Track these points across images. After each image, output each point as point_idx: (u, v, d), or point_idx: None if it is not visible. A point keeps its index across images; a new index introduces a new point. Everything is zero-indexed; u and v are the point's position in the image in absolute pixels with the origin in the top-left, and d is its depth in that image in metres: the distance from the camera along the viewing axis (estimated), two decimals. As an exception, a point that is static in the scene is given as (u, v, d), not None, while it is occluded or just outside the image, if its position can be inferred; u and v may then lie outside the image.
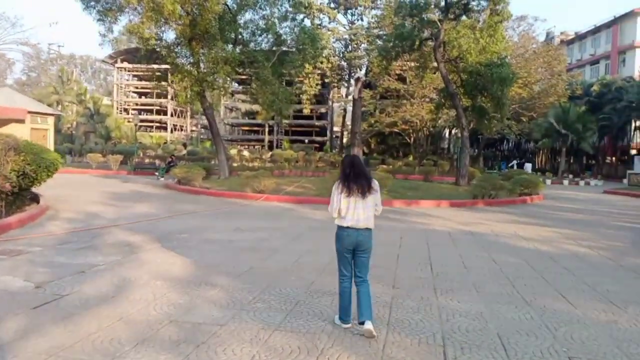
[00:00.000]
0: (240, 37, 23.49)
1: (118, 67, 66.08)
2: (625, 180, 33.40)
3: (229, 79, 24.77)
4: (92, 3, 19.75)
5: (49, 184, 19.10)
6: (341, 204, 4.21)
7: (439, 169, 33.31)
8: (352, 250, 4.24)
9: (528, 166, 38.12)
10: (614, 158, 45.42)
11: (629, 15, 49.74)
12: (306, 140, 59.50)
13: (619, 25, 51.47)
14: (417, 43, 25.09)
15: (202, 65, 22.17)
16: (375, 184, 4.30)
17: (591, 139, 36.02)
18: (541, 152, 52.28)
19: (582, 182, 31.32)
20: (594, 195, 22.29)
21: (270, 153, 46.54)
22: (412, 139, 44.45)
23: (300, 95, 42.72)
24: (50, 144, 31.00)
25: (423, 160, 38.53)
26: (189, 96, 21.85)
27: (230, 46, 22.68)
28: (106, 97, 73.40)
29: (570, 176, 35.35)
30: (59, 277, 5.63)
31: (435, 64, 26.62)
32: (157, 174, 25.82)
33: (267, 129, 60.21)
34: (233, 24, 22.26)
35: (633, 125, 41.59)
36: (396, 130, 42.62)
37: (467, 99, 24.43)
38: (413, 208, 14.79)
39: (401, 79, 41.55)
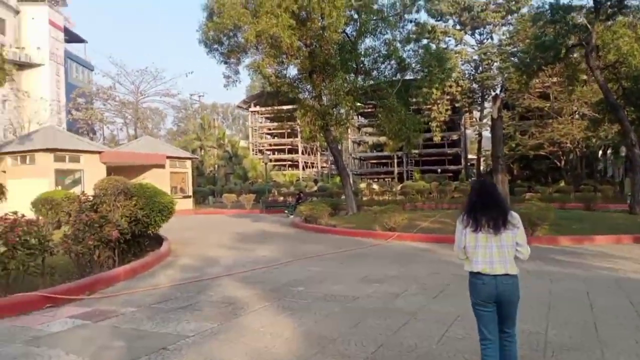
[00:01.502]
0: (361, 65, 22.37)
1: (252, 111, 69.88)
2: None
3: (352, 110, 23.72)
4: (215, 46, 20.11)
5: (181, 226, 19.60)
6: (466, 242, 3.39)
7: (602, 195, 28.40)
8: (492, 304, 3.32)
9: None
10: None
11: None
12: (439, 170, 56.43)
13: None
14: (562, 52, 21.76)
15: (324, 98, 21.44)
16: (515, 217, 3.37)
17: None
18: None
19: None
20: None
21: (401, 185, 44.56)
22: (562, 162, 39.35)
23: (429, 123, 40.40)
24: (189, 187, 32.65)
25: (579, 185, 33.54)
26: (311, 131, 21.12)
27: (352, 76, 21.69)
28: (243, 140, 77.96)
29: None
30: (131, 359, 4.39)
31: (584, 76, 23.06)
32: (286, 211, 25.37)
33: (395, 161, 58.40)
34: (353, 53, 21.23)
35: None
36: (542, 153, 38.08)
37: (633, 110, 20.37)
38: (586, 246, 11.76)
39: (543, 96, 37.30)
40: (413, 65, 23.37)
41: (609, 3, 19.90)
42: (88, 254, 8.07)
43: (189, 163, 33.47)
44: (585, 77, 28.67)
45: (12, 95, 63.39)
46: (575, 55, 23.26)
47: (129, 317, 5.80)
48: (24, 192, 18.55)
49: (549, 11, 21.19)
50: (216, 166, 63.83)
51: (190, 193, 32.84)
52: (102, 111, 71.12)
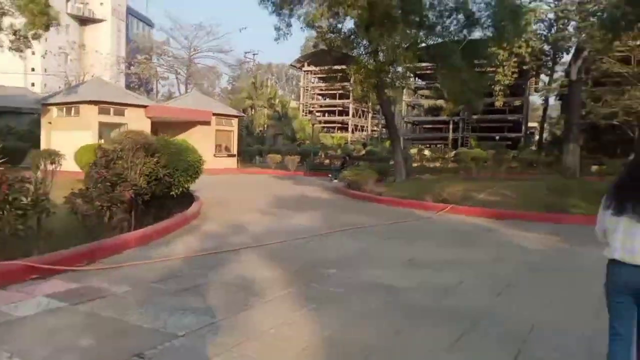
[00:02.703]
0: (425, 20, 20.24)
1: (305, 70, 68.13)
2: None
3: (409, 69, 21.75)
4: (267, -6, 18.65)
5: (218, 185, 18.86)
6: (607, 225, 2.93)
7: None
8: (629, 296, 2.82)
9: None
10: None
11: None
12: (497, 137, 53.16)
13: None
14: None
15: (380, 54, 19.64)
16: None
17: None
18: None
19: None
20: None
21: (455, 152, 42.19)
22: (637, 134, 35.71)
23: (492, 87, 37.40)
24: (234, 145, 31.89)
25: (655, 159, 30.21)
26: (363, 89, 19.51)
27: (413, 31, 19.68)
28: (294, 101, 76.71)
29: None
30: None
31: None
32: (330, 175, 24.12)
33: (451, 126, 55.40)
34: (417, 4, 19.13)
35: None
36: (615, 122, 34.59)
37: None
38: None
39: (625, 60, 33.48)
40: (483, 20, 21.07)
41: None
42: (96, 215, 7.12)
43: (235, 121, 32.57)
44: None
45: (69, 49, 64.58)
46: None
47: (117, 300, 4.73)
48: (68, 143, 18.16)
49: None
50: (265, 126, 63.16)
51: (235, 152, 32.08)
52: (156, 65, 71.50)
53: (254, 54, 73.26)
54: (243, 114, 47.31)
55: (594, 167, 30.03)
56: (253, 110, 62.76)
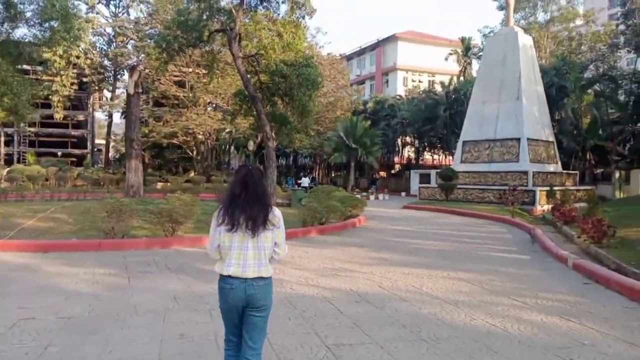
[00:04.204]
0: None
1: None
2: (404, 194, 34.78)
3: None
4: None
5: None
6: (221, 241, 2.95)
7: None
8: (241, 308, 2.95)
9: (305, 180, 36.79)
10: (385, 172, 48.20)
11: (391, 39, 54.25)
12: (59, 154, 48.74)
13: (382, 47, 55.79)
14: (206, 35, 20.71)
15: None
16: (276, 215, 3.00)
17: (377, 153, 36.67)
18: (319, 167, 52.82)
19: (372, 197, 31.02)
20: (405, 212, 20.93)
21: (8, 169, 35.82)
22: (194, 153, 39.41)
23: (50, 97, 33.57)
24: None
25: (210, 176, 33.94)
26: None
27: None
28: None
29: (357, 190, 35.23)
30: None
31: (225, 65, 22.71)
32: None
33: (2, 139, 47.16)
34: None
35: (401, 140, 44.51)
36: (175, 142, 37.12)
37: (267, 105, 21.00)
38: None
39: (180, 84, 36.37)
40: (28, 15, 17.96)
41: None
42: None
43: None
44: (220, 70, 28.90)
45: None
46: (216, 43, 22.68)
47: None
48: None
49: (193, -11, 19.71)
50: None
51: None
52: None
53: None
54: None
55: (160, 184, 31.05)
56: None
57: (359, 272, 7.66)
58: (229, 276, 2.90)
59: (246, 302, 2.92)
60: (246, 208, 2.88)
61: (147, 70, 33.68)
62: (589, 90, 29.99)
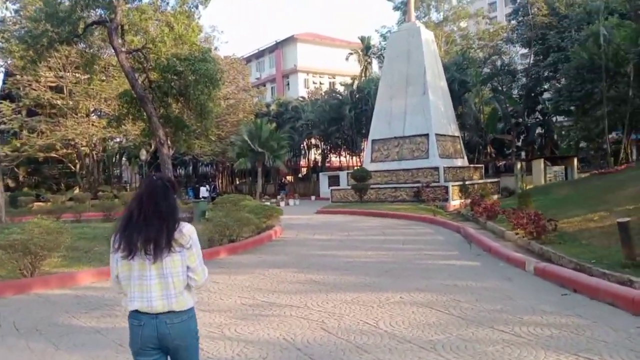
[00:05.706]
0: None
1: None
2: (313, 197, 33.51)
3: None
4: None
5: None
6: (120, 271, 2.43)
7: (121, 202, 25.82)
8: (158, 350, 2.40)
9: (203, 190, 34.21)
10: (292, 177, 46.70)
11: (290, 40, 52.93)
12: None
13: (281, 49, 54.30)
14: (81, 28, 17.78)
15: None
16: (185, 234, 2.42)
17: (285, 156, 34.93)
18: (222, 175, 50.08)
19: (282, 203, 29.25)
20: (321, 218, 19.35)
21: None
22: (77, 167, 34.99)
23: None
24: None
25: (97, 192, 30.10)
26: None
27: None
28: None
29: (266, 197, 33.29)
30: None
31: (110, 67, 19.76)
32: None
33: None
34: None
35: (307, 143, 43.28)
36: (55, 155, 32.65)
37: (159, 107, 18.47)
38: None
39: (57, 89, 32.01)
40: None
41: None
42: None
43: None
44: (103, 71, 25.59)
45: None
46: (96, 38, 19.72)
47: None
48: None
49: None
50: None
51: None
52: None
53: None
54: None
55: (37, 205, 26.94)
56: None
57: (290, 306, 5.82)
58: (137, 311, 2.42)
59: (161, 342, 2.40)
60: (142, 228, 2.36)
61: (17, 76, 29.24)
62: (488, 85, 30.78)
